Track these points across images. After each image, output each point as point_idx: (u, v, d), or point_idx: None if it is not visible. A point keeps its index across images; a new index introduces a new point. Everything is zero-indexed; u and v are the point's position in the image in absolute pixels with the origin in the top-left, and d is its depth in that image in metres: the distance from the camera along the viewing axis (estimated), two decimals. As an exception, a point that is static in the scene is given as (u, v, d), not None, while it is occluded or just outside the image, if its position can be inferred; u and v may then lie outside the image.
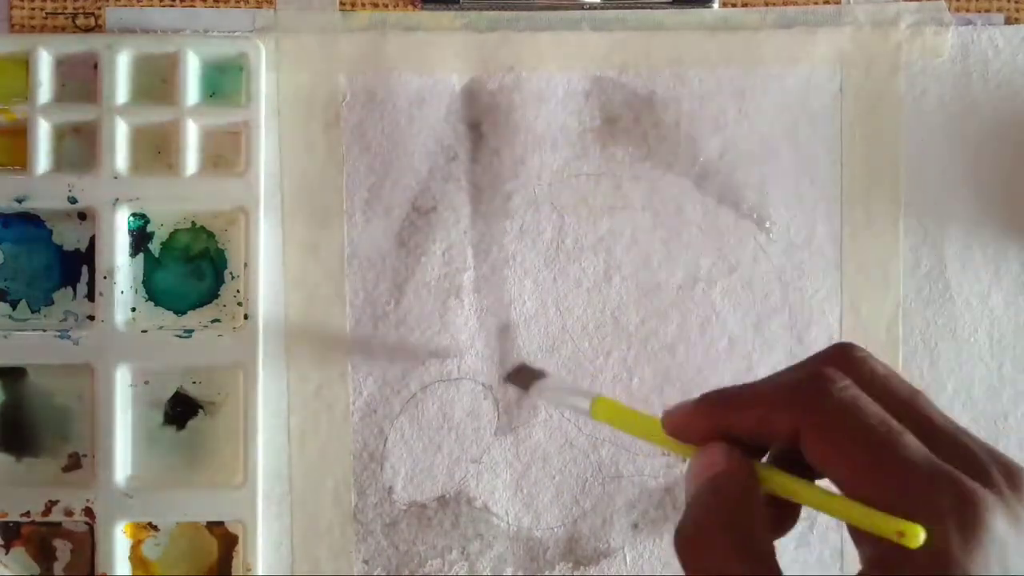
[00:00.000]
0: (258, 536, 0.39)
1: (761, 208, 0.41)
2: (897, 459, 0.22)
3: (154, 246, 0.40)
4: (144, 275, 0.40)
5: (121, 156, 0.39)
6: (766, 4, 0.41)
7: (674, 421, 0.26)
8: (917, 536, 0.21)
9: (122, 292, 0.39)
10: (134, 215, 0.40)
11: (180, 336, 0.39)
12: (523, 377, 0.36)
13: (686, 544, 0.23)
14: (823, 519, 0.41)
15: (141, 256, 0.40)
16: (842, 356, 0.24)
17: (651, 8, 0.41)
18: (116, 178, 0.39)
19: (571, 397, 0.32)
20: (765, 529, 0.23)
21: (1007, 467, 0.22)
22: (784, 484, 0.23)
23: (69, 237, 0.40)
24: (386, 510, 0.41)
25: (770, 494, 0.24)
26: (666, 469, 0.41)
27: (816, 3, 0.41)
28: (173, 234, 0.41)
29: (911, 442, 0.22)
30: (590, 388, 0.41)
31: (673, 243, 0.41)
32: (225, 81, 0.40)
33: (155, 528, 0.40)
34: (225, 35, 0.40)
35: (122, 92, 0.39)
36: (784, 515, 0.25)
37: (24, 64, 0.39)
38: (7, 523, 0.39)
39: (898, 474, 0.22)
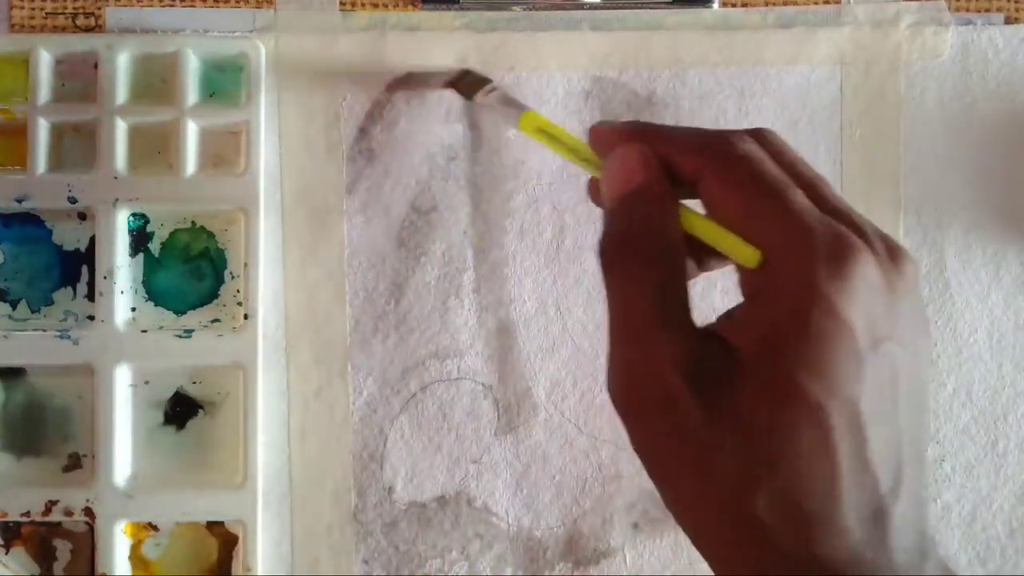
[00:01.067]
0: (258, 536, 0.39)
1: (761, 208, 0.41)
2: (784, 206, 0.23)
3: (154, 246, 0.40)
4: (144, 275, 0.40)
5: (121, 156, 0.39)
6: (766, 4, 0.41)
7: (599, 132, 0.26)
8: (754, 256, 0.23)
9: (122, 292, 0.39)
10: (134, 215, 0.40)
11: (180, 336, 0.39)
12: (468, 84, 0.36)
13: (610, 256, 0.24)
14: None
15: (141, 256, 0.40)
16: (759, 133, 0.25)
17: (651, 8, 0.41)
18: (116, 178, 0.39)
19: (505, 108, 0.32)
20: (681, 242, 0.24)
21: (890, 242, 0.23)
22: (682, 212, 0.25)
23: (69, 237, 0.40)
24: (386, 510, 0.41)
25: None
26: (666, 469, 0.41)
27: (816, 3, 0.41)
28: (173, 234, 0.41)
29: (800, 197, 0.23)
30: (589, 388, 0.41)
31: (673, 243, 0.41)
32: (225, 81, 0.40)
33: (155, 528, 0.40)
34: (225, 35, 0.40)
35: (122, 92, 0.39)
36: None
37: (24, 64, 0.39)
38: (7, 523, 0.39)
39: (782, 218, 0.23)
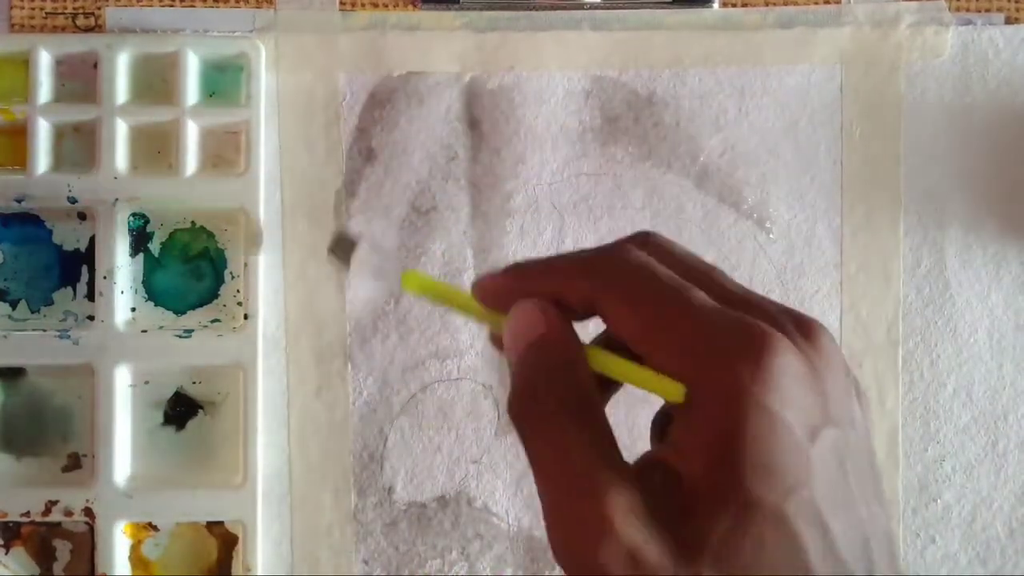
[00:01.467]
0: (258, 536, 0.39)
1: (761, 208, 0.41)
2: (687, 310, 0.22)
3: (154, 246, 0.40)
4: (144, 275, 0.40)
5: (121, 156, 0.39)
6: (766, 4, 0.41)
7: (483, 287, 0.26)
8: (678, 391, 0.22)
9: (122, 292, 0.39)
10: (134, 215, 0.40)
11: (180, 336, 0.39)
12: (343, 249, 0.35)
13: (522, 413, 0.23)
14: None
15: (141, 256, 0.40)
16: (642, 238, 0.25)
17: (651, 8, 0.41)
18: (116, 178, 0.39)
19: (382, 275, 0.31)
20: (594, 385, 0.23)
21: (800, 319, 0.23)
22: (592, 354, 0.24)
23: (69, 237, 0.40)
24: (386, 510, 0.41)
25: None
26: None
27: (816, 3, 0.41)
28: (173, 234, 0.41)
29: (701, 296, 0.22)
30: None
31: (673, 243, 0.41)
32: (225, 81, 0.40)
33: (155, 528, 0.40)
34: (225, 35, 0.40)
35: (122, 92, 0.39)
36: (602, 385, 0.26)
37: (24, 64, 0.39)
38: (7, 523, 0.39)
39: (688, 323, 0.22)
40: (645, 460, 0.23)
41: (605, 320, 0.24)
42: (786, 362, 0.21)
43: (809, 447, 0.21)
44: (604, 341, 0.25)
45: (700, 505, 0.21)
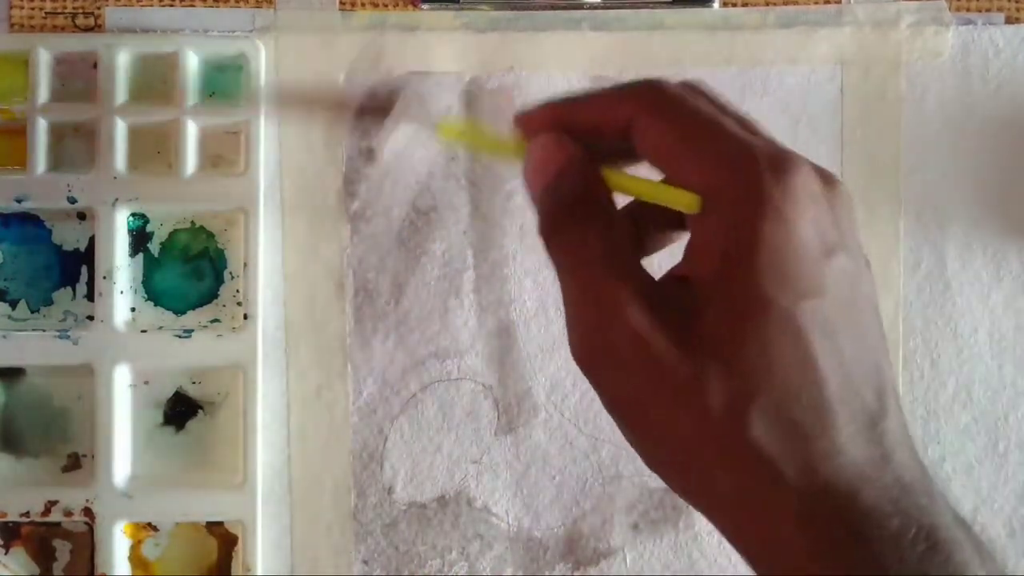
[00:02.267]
0: (258, 536, 0.39)
1: (761, 208, 0.41)
2: (720, 131, 0.23)
3: (154, 246, 0.40)
4: (144, 275, 0.40)
5: (120, 156, 0.39)
6: (766, 4, 0.41)
7: (523, 121, 0.26)
8: (693, 200, 0.23)
9: (122, 292, 0.39)
10: (134, 215, 0.40)
11: (180, 336, 0.39)
12: (381, 100, 0.36)
13: (548, 238, 0.24)
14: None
15: (141, 256, 0.40)
16: (688, 82, 0.25)
17: (651, 8, 0.41)
18: (116, 178, 0.39)
19: (420, 122, 0.32)
20: (611, 199, 0.24)
21: (822, 169, 0.24)
22: (609, 175, 0.25)
23: (69, 237, 0.40)
24: (386, 510, 0.41)
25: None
26: (666, 469, 0.41)
27: (816, 3, 0.41)
28: (173, 234, 0.41)
29: (733, 124, 0.23)
30: (590, 389, 0.41)
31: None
32: (225, 81, 0.40)
33: (155, 528, 0.40)
34: (225, 35, 0.40)
35: (121, 92, 0.39)
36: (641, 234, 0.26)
37: (24, 64, 0.39)
38: (7, 523, 0.39)
39: (721, 141, 0.23)
40: (665, 275, 0.24)
41: (638, 142, 0.24)
42: (807, 181, 0.22)
43: (822, 262, 0.22)
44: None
45: (710, 305, 0.22)
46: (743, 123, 0.24)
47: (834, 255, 0.22)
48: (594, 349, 0.23)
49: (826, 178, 0.23)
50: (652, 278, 0.23)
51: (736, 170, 0.22)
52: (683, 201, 0.23)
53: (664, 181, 0.24)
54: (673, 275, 0.24)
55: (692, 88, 0.25)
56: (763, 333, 0.21)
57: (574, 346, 0.24)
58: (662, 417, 0.22)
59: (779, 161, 0.22)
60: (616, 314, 0.22)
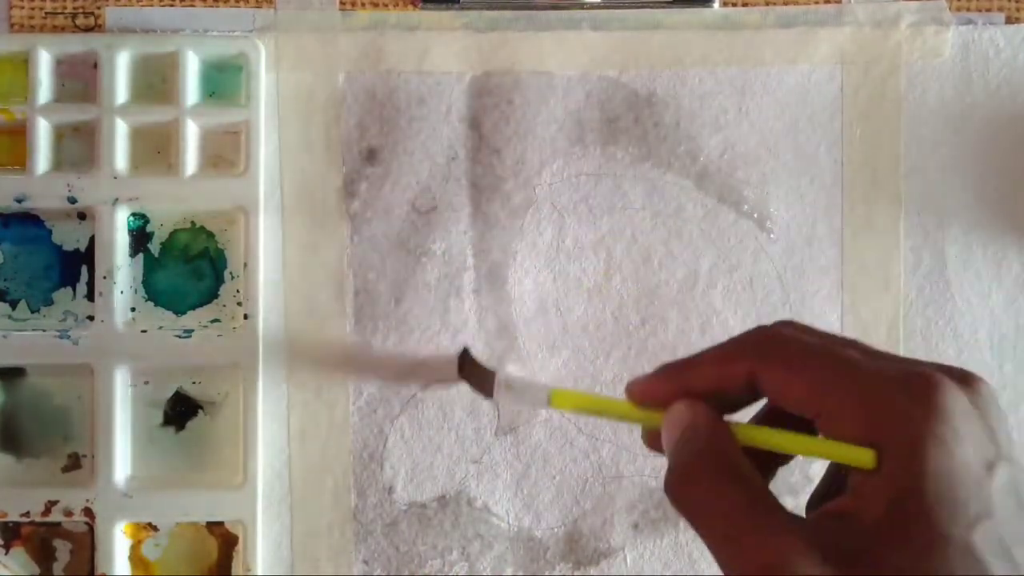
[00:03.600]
0: (258, 536, 0.39)
1: (761, 208, 0.41)
2: (849, 368, 0.23)
3: (154, 246, 0.40)
4: (144, 275, 0.40)
5: (121, 156, 0.39)
6: (766, 4, 0.41)
7: (638, 391, 0.27)
8: (868, 456, 0.22)
9: (122, 292, 0.39)
10: (134, 215, 0.40)
11: (180, 336, 0.39)
12: (476, 379, 0.36)
13: (677, 493, 0.24)
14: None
15: (141, 256, 0.40)
16: (780, 324, 0.26)
17: (651, 8, 0.41)
18: (116, 178, 0.39)
19: (528, 397, 0.32)
20: (743, 458, 0.24)
21: (951, 368, 0.23)
22: (749, 433, 0.25)
23: (69, 237, 0.40)
24: (386, 510, 0.41)
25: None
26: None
27: (816, 3, 0.41)
28: (173, 234, 0.41)
29: (856, 353, 0.23)
30: (589, 387, 0.41)
31: (673, 243, 0.41)
32: (225, 81, 0.40)
33: (155, 528, 0.40)
34: (225, 35, 0.40)
35: (122, 92, 0.39)
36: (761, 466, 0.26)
37: (24, 64, 0.39)
38: (7, 523, 0.39)
39: (854, 377, 0.23)
40: (819, 513, 0.23)
41: (768, 394, 0.24)
42: (955, 399, 0.22)
43: (988, 480, 0.22)
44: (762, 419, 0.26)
45: (882, 546, 0.21)
46: (854, 344, 0.24)
47: (996, 469, 0.22)
48: None
49: (967, 382, 0.23)
50: (805, 523, 0.23)
51: (885, 409, 0.22)
52: (858, 458, 0.22)
53: (803, 429, 0.24)
54: (829, 512, 0.23)
55: (792, 326, 0.25)
56: (943, 568, 0.21)
57: None
58: None
59: (921, 384, 0.22)
60: (787, 565, 0.21)
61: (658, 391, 0.26)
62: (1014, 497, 0.22)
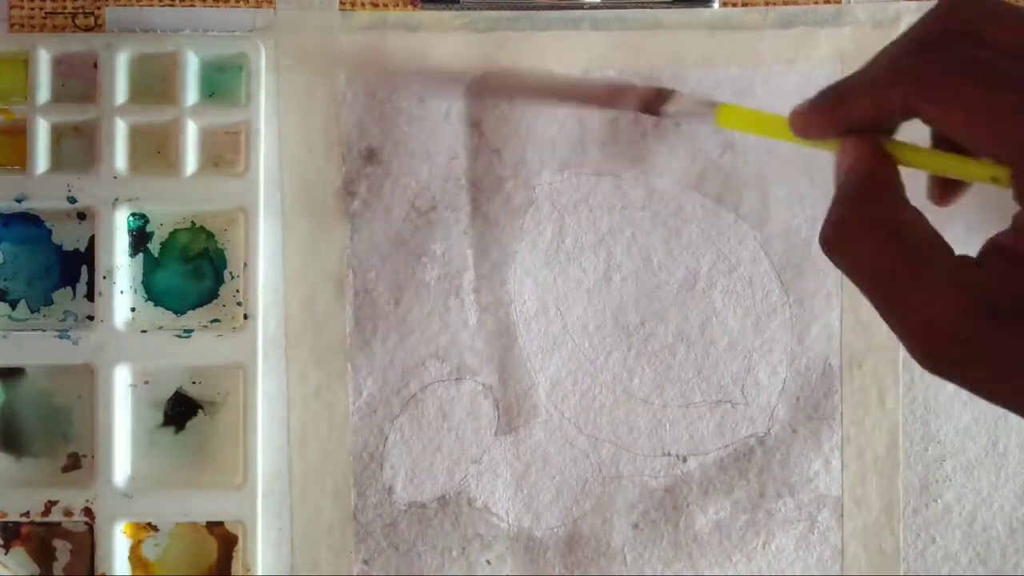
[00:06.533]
0: (258, 536, 0.39)
1: (761, 208, 0.41)
2: (1012, 86, 0.21)
3: (154, 246, 0.40)
4: (144, 275, 0.40)
5: (121, 156, 0.39)
6: (766, 4, 0.41)
7: (798, 123, 0.26)
8: (1002, 173, 0.21)
9: (122, 292, 0.39)
10: (134, 215, 0.40)
11: (180, 336, 0.39)
12: (657, 102, 0.35)
13: (834, 248, 0.23)
14: (822, 520, 0.41)
15: (141, 256, 0.40)
16: (947, 4, 0.24)
17: (651, 8, 0.41)
18: (116, 178, 0.39)
19: (697, 110, 0.31)
20: (906, 202, 0.23)
21: None
22: (915, 157, 0.24)
23: (69, 237, 0.40)
24: (386, 510, 0.41)
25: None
26: (666, 469, 0.41)
27: (816, 3, 0.41)
28: (173, 234, 0.41)
29: (1016, 68, 0.21)
30: (589, 387, 0.41)
31: (673, 243, 0.41)
32: (225, 81, 0.40)
33: (155, 528, 0.40)
34: (225, 35, 0.40)
35: (122, 92, 0.39)
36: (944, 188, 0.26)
37: (24, 64, 0.39)
38: (7, 523, 0.39)
39: (1013, 102, 0.21)
40: (987, 247, 0.22)
41: (924, 120, 0.23)
42: None
43: None
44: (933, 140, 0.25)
45: None
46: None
47: None
48: (940, 360, 0.22)
49: None
50: (971, 262, 0.22)
51: None
52: (987, 174, 0.22)
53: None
54: (997, 247, 0.22)
55: (970, 6, 0.23)
56: None
57: (913, 345, 0.22)
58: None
59: None
60: (951, 322, 0.21)
61: (817, 124, 0.25)
62: None
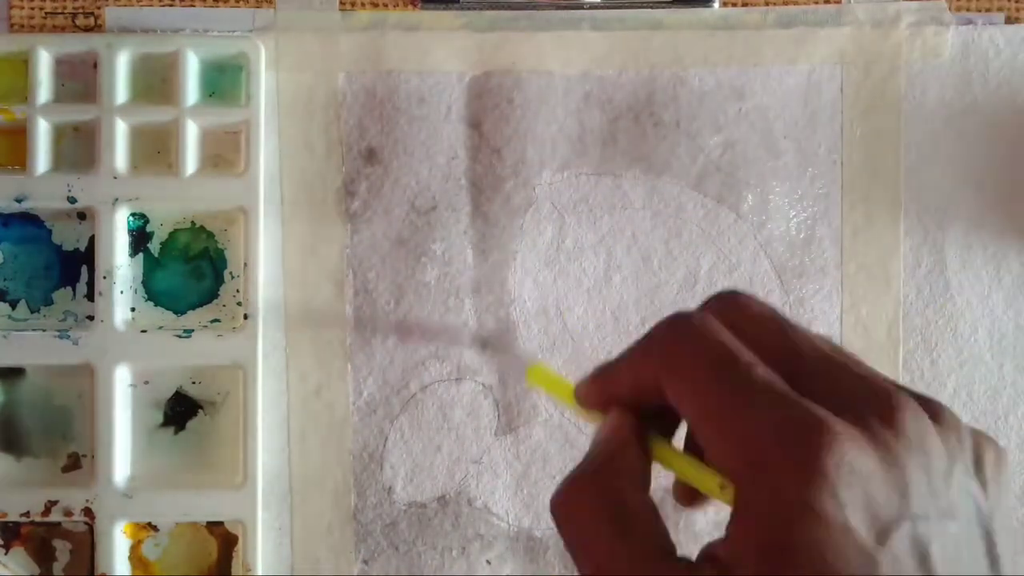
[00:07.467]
0: (258, 536, 0.39)
1: (761, 208, 0.41)
2: (744, 396, 0.20)
3: (154, 246, 0.40)
4: (144, 275, 0.40)
5: (121, 156, 0.39)
6: (766, 4, 0.41)
7: (579, 393, 0.25)
8: (726, 494, 0.20)
9: (122, 292, 0.39)
10: (134, 215, 0.40)
11: (180, 336, 0.39)
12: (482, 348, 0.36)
13: (556, 509, 0.22)
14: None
15: (141, 256, 0.40)
16: (721, 299, 0.23)
17: (651, 8, 0.41)
18: (116, 178, 0.39)
19: (513, 364, 0.32)
20: (641, 490, 0.22)
21: (879, 393, 0.21)
22: (656, 448, 0.23)
23: (69, 237, 0.40)
24: (386, 510, 0.41)
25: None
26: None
27: (816, 3, 0.41)
28: (173, 234, 0.41)
29: (764, 376, 0.20)
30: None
31: (673, 243, 0.41)
32: (225, 81, 0.40)
33: (155, 528, 0.40)
34: (225, 35, 0.40)
35: (122, 92, 0.39)
36: (685, 489, 0.25)
37: (24, 64, 0.39)
38: (7, 523, 0.39)
39: (741, 412, 0.20)
40: (703, 553, 0.21)
41: (670, 400, 0.22)
42: (847, 460, 0.19)
43: (877, 550, 0.19)
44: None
45: None
46: (789, 351, 0.21)
47: (893, 533, 0.19)
48: None
49: (886, 417, 0.20)
50: (683, 568, 0.21)
51: (761, 461, 0.19)
52: (716, 491, 0.21)
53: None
54: (709, 556, 0.21)
55: (728, 306, 0.22)
56: None
57: None
58: None
59: (807, 441, 0.19)
60: None
61: (591, 395, 0.25)
62: (915, 560, 0.19)
